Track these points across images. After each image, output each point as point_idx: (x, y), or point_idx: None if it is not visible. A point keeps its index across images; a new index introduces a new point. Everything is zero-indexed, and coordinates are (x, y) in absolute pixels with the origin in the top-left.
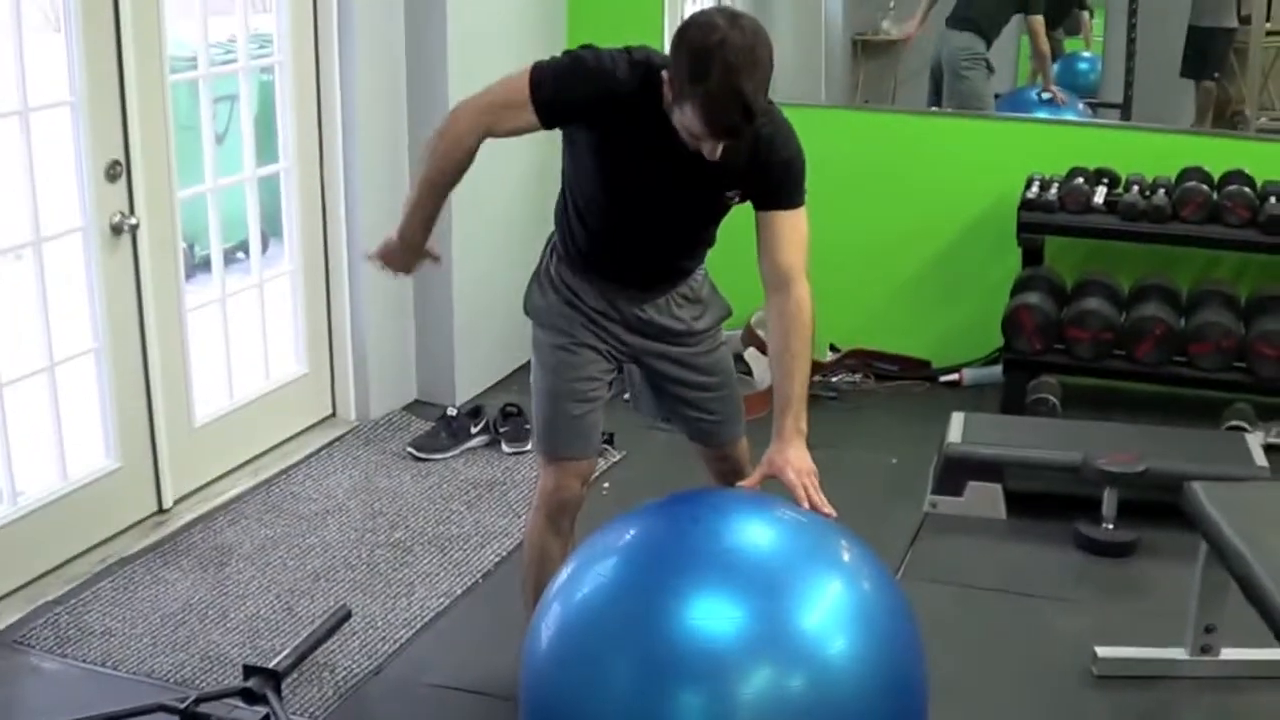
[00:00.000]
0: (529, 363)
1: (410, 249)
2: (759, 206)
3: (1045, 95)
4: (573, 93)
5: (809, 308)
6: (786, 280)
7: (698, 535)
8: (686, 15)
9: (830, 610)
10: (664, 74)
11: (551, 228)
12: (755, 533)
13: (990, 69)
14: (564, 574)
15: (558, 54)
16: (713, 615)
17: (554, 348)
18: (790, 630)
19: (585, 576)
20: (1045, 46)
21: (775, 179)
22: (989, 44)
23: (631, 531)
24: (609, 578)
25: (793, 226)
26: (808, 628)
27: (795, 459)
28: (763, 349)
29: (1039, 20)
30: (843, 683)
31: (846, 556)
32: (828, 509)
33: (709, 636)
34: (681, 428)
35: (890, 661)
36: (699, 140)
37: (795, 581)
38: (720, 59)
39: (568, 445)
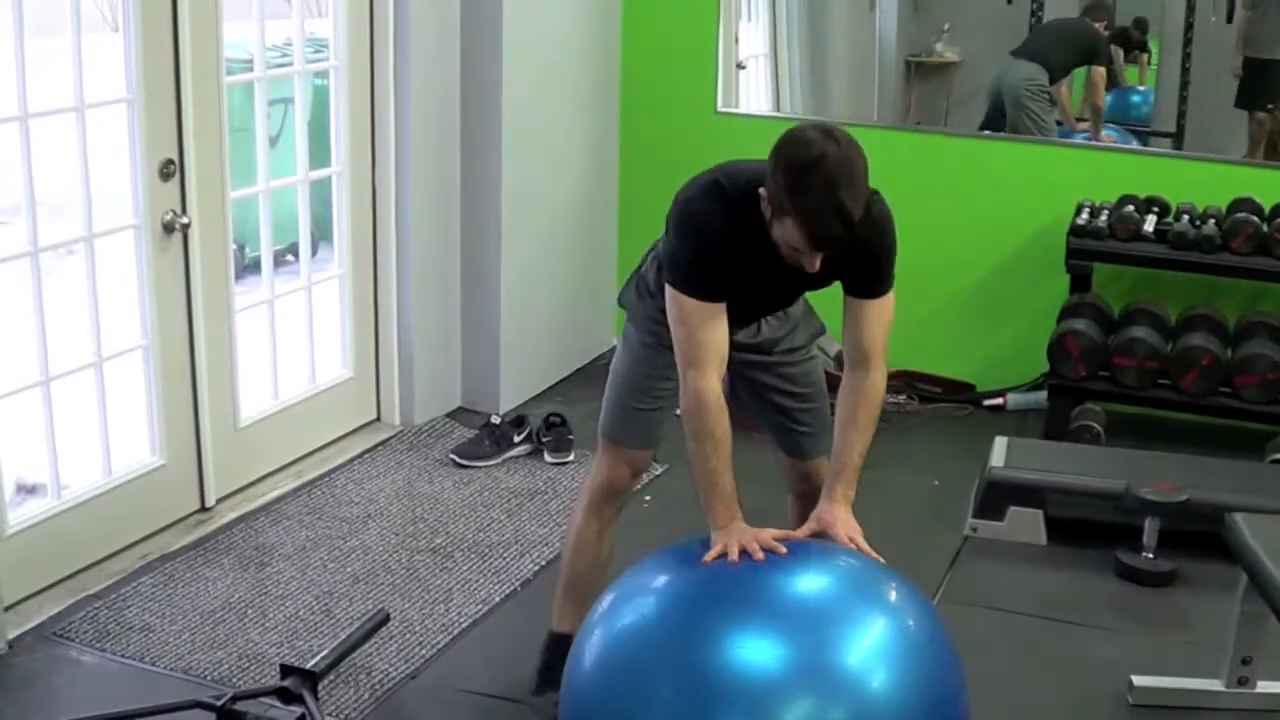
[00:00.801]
0: (574, 372)
1: (742, 524)
2: (850, 292)
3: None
4: (713, 266)
5: (881, 389)
6: (867, 360)
7: (740, 568)
8: (740, 16)
9: (872, 644)
10: (760, 191)
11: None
12: (798, 565)
13: (1053, 101)
14: (606, 602)
15: (673, 251)
16: (755, 647)
17: (642, 344)
18: (832, 663)
19: (628, 606)
20: (1102, 100)
21: (871, 271)
22: (1052, 79)
23: (674, 561)
24: (652, 607)
25: (880, 311)
26: (849, 660)
27: (844, 519)
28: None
29: (1101, 72)
30: (884, 716)
31: (889, 591)
32: (875, 556)
33: (751, 668)
34: (774, 438)
35: (931, 699)
36: (798, 253)
37: (838, 615)
38: (819, 173)
39: (630, 432)
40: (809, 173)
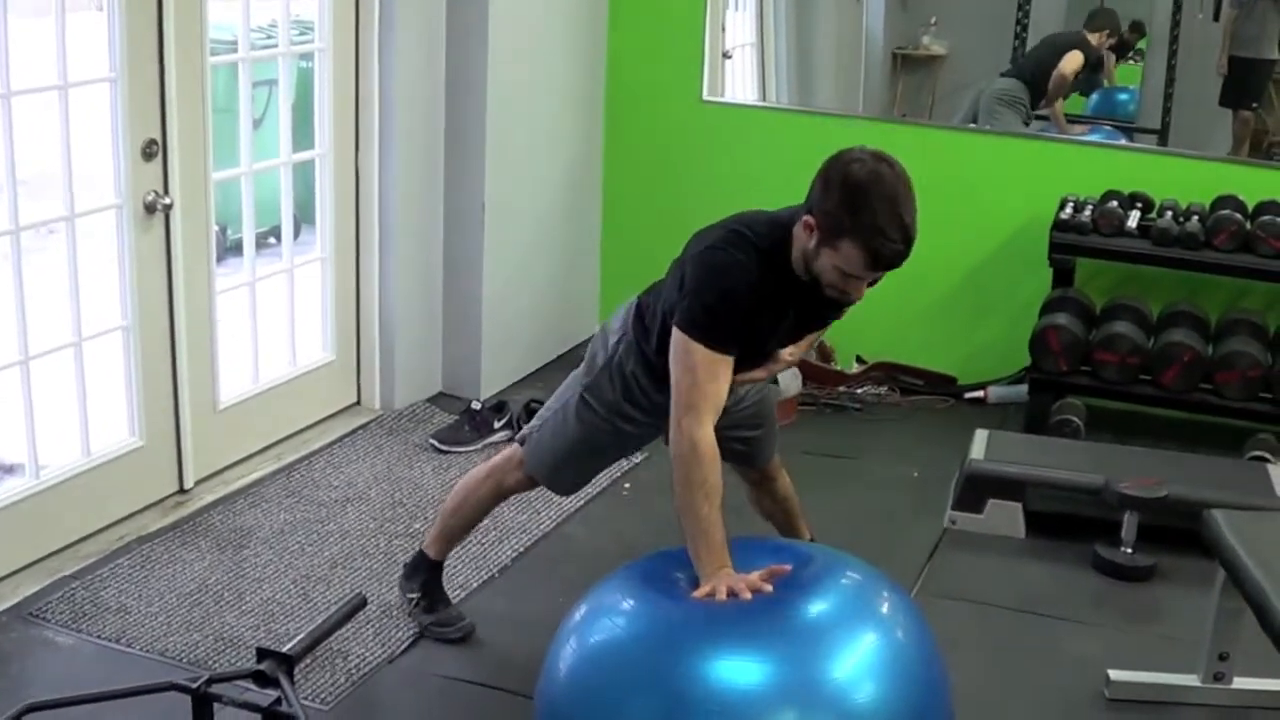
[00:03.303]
0: (555, 359)
1: (730, 570)
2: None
3: None
4: (735, 318)
5: None
6: None
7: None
8: (727, 5)
9: (852, 648)
10: (805, 220)
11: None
12: (787, 568)
13: (1028, 119)
14: (579, 613)
15: (696, 288)
16: (733, 653)
17: (603, 427)
18: (813, 669)
19: (602, 618)
20: (1066, 80)
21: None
22: (1035, 91)
23: (647, 571)
24: (627, 618)
25: None
26: (831, 666)
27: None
28: None
29: (1073, 56)
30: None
31: (870, 593)
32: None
33: (730, 675)
34: (729, 459)
35: (916, 706)
36: (848, 279)
37: (815, 619)
38: (881, 192)
39: (561, 485)
40: (870, 190)
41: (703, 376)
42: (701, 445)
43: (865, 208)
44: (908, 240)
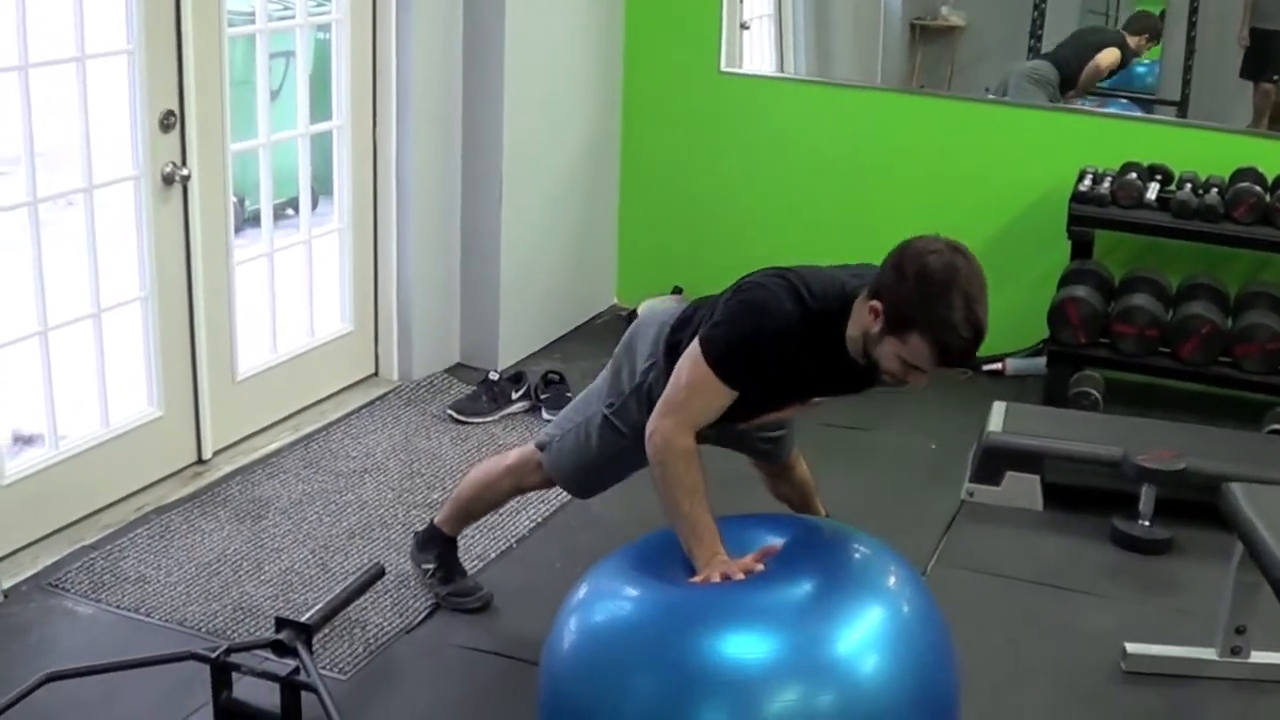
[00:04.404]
0: (572, 330)
1: (725, 555)
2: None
3: None
4: (756, 362)
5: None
6: None
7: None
8: (741, 38)
9: (858, 623)
10: (872, 304)
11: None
12: (779, 556)
13: (1053, 97)
14: (582, 590)
15: (725, 319)
16: (737, 629)
17: (627, 447)
18: (817, 644)
19: (606, 594)
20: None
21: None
22: (1065, 77)
23: (651, 549)
24: (632, 593)
25: None
26: (835, 641)
27: None
28: None
29: (1110, 53)
30: (871, 696)
31: (875, 568)
32: None
33: (735, 652)
34: (750, 458)
35: (919, 675)
36: (907, 370)
37: (821, 594)
38: (957, 287)
39: (583, 491)
40: (946, 284)
41: (697, 395)
42: (675, 445)
43: (939, 302)
44: (979, 338)
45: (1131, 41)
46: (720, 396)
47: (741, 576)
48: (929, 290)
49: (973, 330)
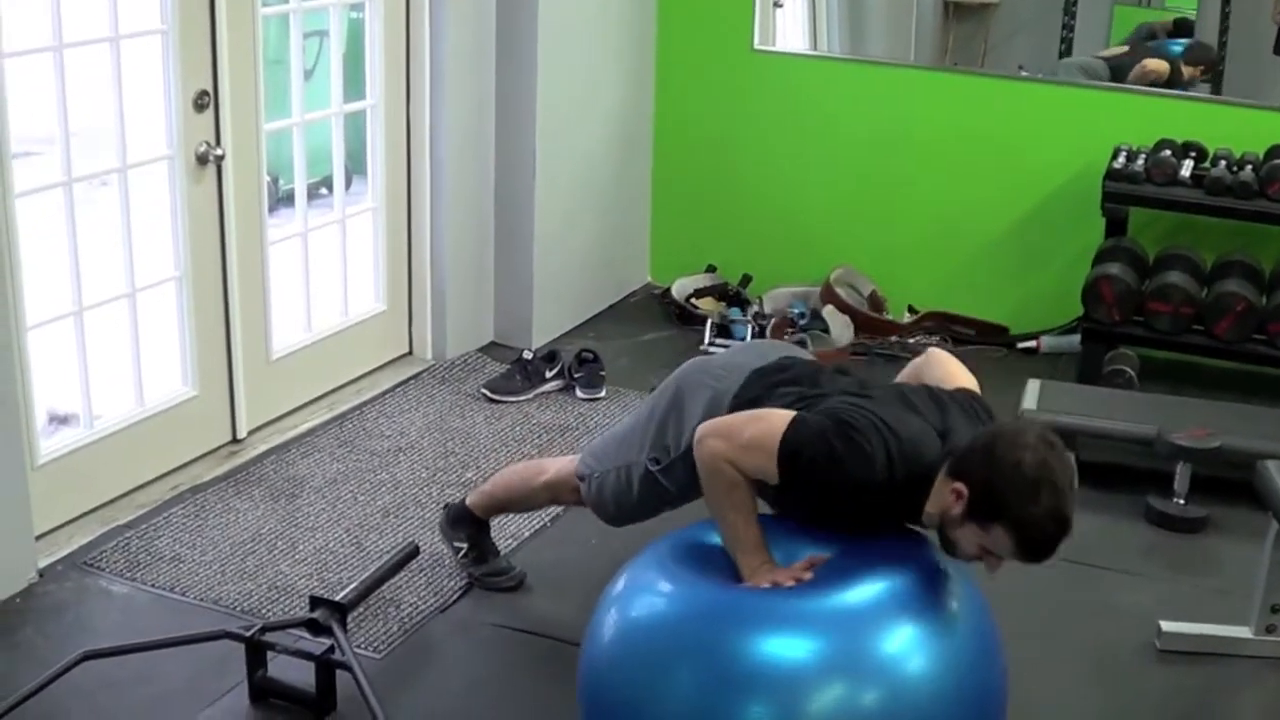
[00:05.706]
0: (606, 309)
1: (771, 564)
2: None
3: None
4: (816, 477)
5: None
6: None
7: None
8: (774, 16)
9: (905, 621)
10: (956, 486)
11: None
12: (820, 541)
13: (1089, 76)
14: (621, 583)
15: (825, 422)
16: (780, 627)
17: (670, 496)
18: (865, 653)
19: (647, 586)
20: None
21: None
22: (1112, 73)
23: (693, 540)
24: (673, 586)
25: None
26: (880, 638)
27: None
28: (840, 307)
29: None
30: (918, 693)
31: (922, 564)
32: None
33: (776, 649)
34: None
35: (968, 674)
36: (985, 555)
37: (871, 602)
38: (1049, 487)
39: (616, 523)
40: (1039, 483)
41: (752, 455)
42: (725, 472)
43: (1030, 500)
44: (1064, 536)
45: (1186, 71)
46: (765, 463)
47: (791, 584)
48: (1020, 487)
49: (1059, 528)
